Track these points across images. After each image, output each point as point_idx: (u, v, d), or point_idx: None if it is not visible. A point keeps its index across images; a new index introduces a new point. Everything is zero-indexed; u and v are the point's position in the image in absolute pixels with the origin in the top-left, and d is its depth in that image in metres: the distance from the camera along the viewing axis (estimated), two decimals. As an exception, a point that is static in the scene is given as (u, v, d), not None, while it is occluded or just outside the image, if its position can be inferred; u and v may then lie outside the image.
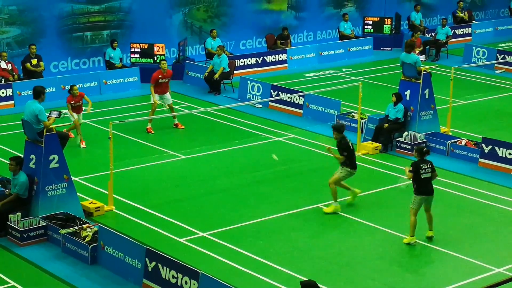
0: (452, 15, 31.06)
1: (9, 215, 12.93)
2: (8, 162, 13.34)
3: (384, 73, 24.26)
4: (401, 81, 17.77)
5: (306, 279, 9.56)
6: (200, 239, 12.97)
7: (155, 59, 23.15)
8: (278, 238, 13.11)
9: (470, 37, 29.63)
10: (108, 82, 22.26)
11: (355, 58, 26.39)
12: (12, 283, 11.46)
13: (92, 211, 13.84)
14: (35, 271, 11.89)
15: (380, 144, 17.28)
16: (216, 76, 22.30)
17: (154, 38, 24.01)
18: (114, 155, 14.21)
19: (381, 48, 27.99)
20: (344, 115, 19.18)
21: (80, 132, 17.78)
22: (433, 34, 27.16)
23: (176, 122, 18.92)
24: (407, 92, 17.54)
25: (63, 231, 12.65)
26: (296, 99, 19.86)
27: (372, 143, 17.38)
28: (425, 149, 12.51)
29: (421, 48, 23.73)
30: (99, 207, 14.07)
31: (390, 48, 28.02)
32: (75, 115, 17.72)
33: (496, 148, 16.25)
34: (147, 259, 11.34)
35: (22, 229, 12.75)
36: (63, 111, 15.66)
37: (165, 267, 10.98)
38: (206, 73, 22.38)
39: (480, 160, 16.55)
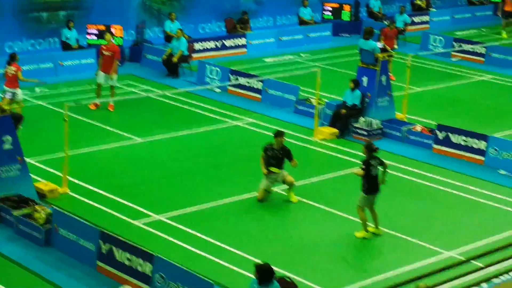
0: (410, 2, 31.25)
1: (-39, 197, 12.71)
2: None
3: (343, 59, 24.18)
4: (359, 68, 17.78)
5: (261, 262, 9.55)
6: (156, 222, 12.91)
7: (113, 41, 22.98)
8: (234, 221, 13.12)
9: (428, 25, 29.84)
10: (64, 64, 22.03)
11: (314, 44, 26.44)
12: (-37, 265, 11.29)
13: (46, 193, 13.64)
14: (-13, 253, 11.68)
15: (337, 130, 17.30)
16: (175, 59, 22.11)
17: (112, 19, 23.71)
18: (70, 137, 14.10)
19: (340, 34, 28.01)
20: (303, 100, 19.14)
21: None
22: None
23: (111, 103, 18.76)
24: (365, 79, 17.57)
25: (16, 213, 12.46)
26: (255, 84, 19.76)
27: (329, 129, 17.41)
28: (373, 146, 12.44)
29: (395, 39, 23.33)
30: (53, 189, 13.83)
31: (349, 35, 28.04)
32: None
33: (450, 134, 16.36)
34: (101, 241, 11.27)
35: (-26, 210, 12.53)
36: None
37: (119, 250, 10.95)
38: (165, 56, 22.24)
39: (434, 146, 16.63)
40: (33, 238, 12.11)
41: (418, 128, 17.34)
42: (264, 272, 9.10)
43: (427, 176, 15.32)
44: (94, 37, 23.43)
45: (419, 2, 30.69)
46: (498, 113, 19.55)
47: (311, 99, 18.86)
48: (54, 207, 12.43)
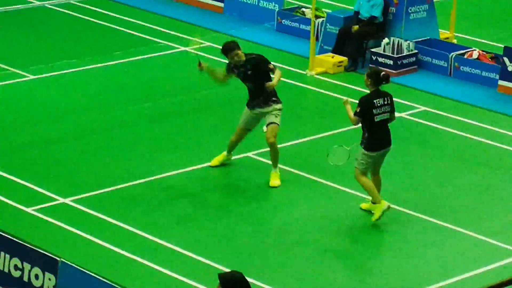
0: None
1: None
2: None
3: None
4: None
5: (227, 269, 8.85)
6: (59, 207, 11.44)
7: None
8: (182, 203, 11.38)
9: None
10: None
11: None
12: None
13: None
14: None
15: (346, 58, 15.37)
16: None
17: None
18: None
19: None
20: (290, 10, 16.84)
21: None
22: None
23: None
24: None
25: None
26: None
27: (333, 56, 15.46)
28: (383, 73, 11.02)
29: None
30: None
31: None
32: None
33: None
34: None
35: None
36: None
37: (2, 253, 9.77)
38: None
39: (500, 82, 14.86)
40: None
41: (475, 54, 15.58)
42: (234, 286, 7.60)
43: (488, 129, 13.45)
44: None
45: None
46: None
47: (304, 9, 16.76)
48: None
